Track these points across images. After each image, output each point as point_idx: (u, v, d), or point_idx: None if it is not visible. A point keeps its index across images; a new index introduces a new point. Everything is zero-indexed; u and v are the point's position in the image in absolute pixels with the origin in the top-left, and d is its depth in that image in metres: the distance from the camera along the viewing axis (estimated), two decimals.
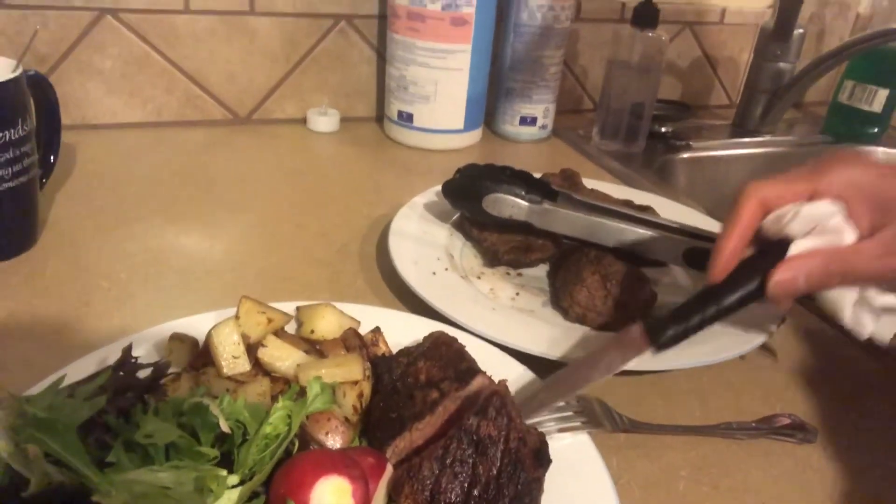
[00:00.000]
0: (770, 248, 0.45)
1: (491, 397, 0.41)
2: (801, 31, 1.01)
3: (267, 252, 0.66)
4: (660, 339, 0.46)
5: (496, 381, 0.43)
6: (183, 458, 0.32)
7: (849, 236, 0.43)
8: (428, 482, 0.36)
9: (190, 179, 0.79)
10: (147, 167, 0.81)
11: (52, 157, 0.66)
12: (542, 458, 0.40)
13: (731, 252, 0.46)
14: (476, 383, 0.43)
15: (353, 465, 0.34)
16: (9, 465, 0.31)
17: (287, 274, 0.63)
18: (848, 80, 1.09)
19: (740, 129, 1.09)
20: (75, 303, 0.56)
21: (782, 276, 0.43)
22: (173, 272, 0.62)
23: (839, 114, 1.11)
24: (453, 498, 0.36)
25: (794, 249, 0.44)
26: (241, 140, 0.91)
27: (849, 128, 1.11)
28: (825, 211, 0.44)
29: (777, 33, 1.02)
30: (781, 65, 1.03)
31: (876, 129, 1.10)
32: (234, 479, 0.32)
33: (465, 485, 0.37)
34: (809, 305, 0.64)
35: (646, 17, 0.92)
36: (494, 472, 0.38)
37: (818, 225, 0.44)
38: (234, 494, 0.32)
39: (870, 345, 0.53)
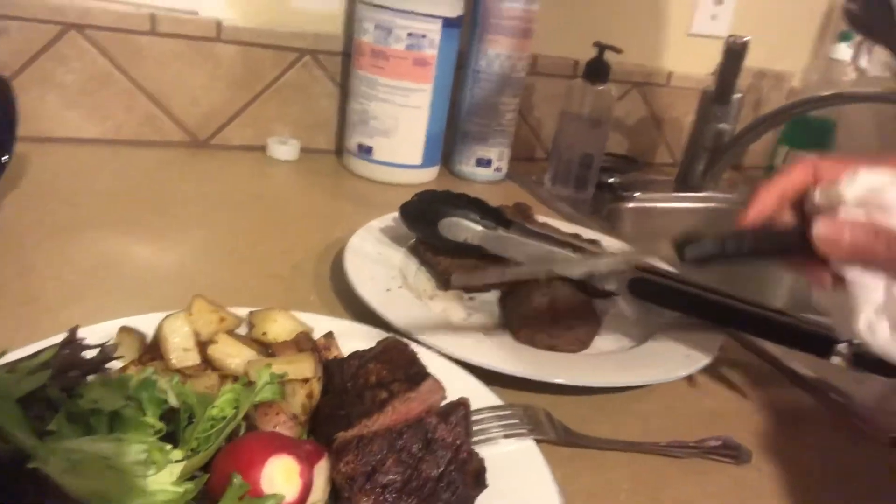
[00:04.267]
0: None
1: (458, 406, 0.42)
2: (739, 95, 1.09)
3: (220, 264, 0.66)
4: (688, 253, 0.44)
5: (452, 395, 0.44)
6: (127, 430, 0.31)
7: None
8: (373, 457, 0.36)
9: (145, 195, 0.78)
10: (102, 181, 0.80)
11: (4, 157, 0.65)
12: (480, 480, 0.41)
13: (769, 200, 0.43)
14: (425, 386, 0.44)
15: (299, 446, 0.34)
16: None
17: (240, 286, 0.63)
18: (782, 146, 1.16)
19: (683, 184, 1.15)
20: (21, 298, 0.54)
21: (828, 229, 0.40)
22: (124, 277, 0.61)
23: None
24: (390, 481, 0.37)
25: (842, 213, 0.41)
26: (198, 162, 0.91)
27: None
28: (883, 181, 0.40)
29: (718, 97, 1.09)
30: (721, 126, 1.10)
31: None
32: (177, 453, 0.32)
33: (406, 474, 0.37)
34: (744, 340, 0.67)
35: (597, 71, 0.98)
36: (436, 473, 0.39)
37: (872, 197, 0.40)
38: (177, 469, 0.31)
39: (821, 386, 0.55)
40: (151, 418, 0.32)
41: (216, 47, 0.91)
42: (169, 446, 0.32)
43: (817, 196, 0.43)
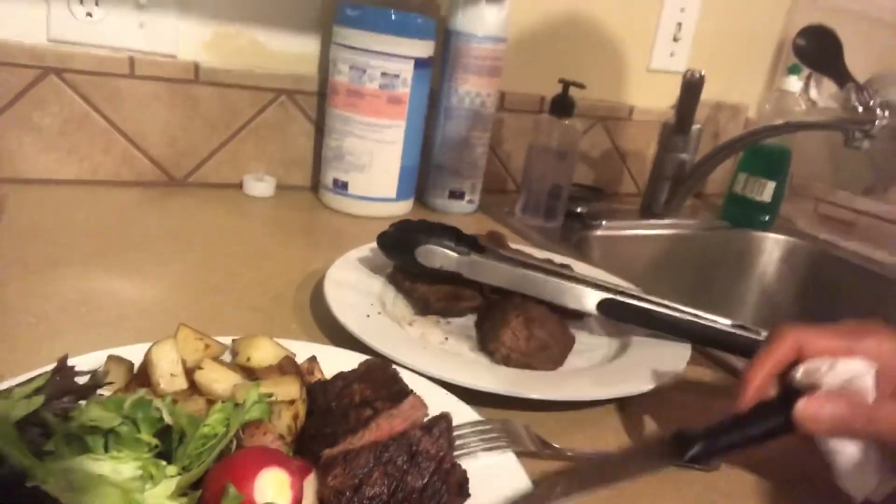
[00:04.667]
0: (795, 394, 0.47)
1: (440, 419, 0.43)
2: (698, 126, 1.14)
3: (200, 297, 0.67)
4: (687, 453, 0.49)
5: (433, 412, 0.46)
6: (122, 449, 0.32)
7: (871, 399, 0.45)
8: (360, 471, 0.38)
9: (123, 233, 0.79)
10: (79, 220, 0.81)
11: None
12: (463, 490, 0.42)
13: (759, 383, 0.48)
14: (408, 403, 0.46)
15: (289, 460, 0.35)
16: None
17: (220, 317, 0.64)
18: (741, 173, 1.21)
19: (647, 212, 1.19)
20: (1, 334, 0.55)
21: (809, 406, 0.45)
22: (104, 312, 0.62)
23: (735, 203, 1.23)
24: (377, 493, 0.38)
25: (823, 390, 0.46)
26: (175, 200, 0.92)
27: (743, 215, 1.23)
28: (859, 369, 0.46)
29: (678, 128, 1.14)
30: (682, 156, 1.15)
31: (767, 217, 1.22)
32: (172, 469, 0.33)
33: (392, 486, 0.39)
34: (709, 354, 0.70)
35: (562, 106, 1.02)
36: (420, 485, 0.41)
37: (849, 384, 0.46)
38: (173, 483, 0.32)
39: None
40: (146, 436, 0.33)
41: (194, 88, 0.94)
42: (164, 463, 0.33)
43: (799, 376, 0.48)
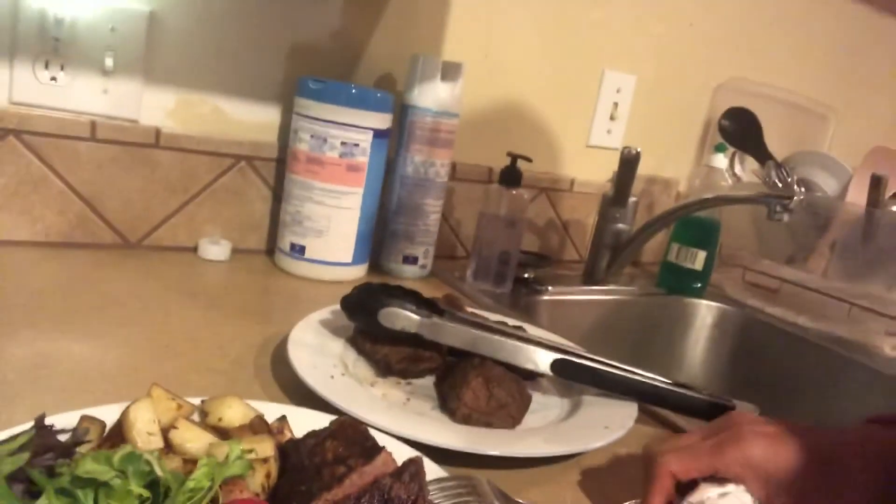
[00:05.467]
0: None
1: (409, 464, 0.45)
2: (634, 199, 1.22)
3: (160, 360, 0.68)
4: None
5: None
6: (113, 500, 0.33)
7: None
8: None
9: (78, 295, 0.79)
10: (33, 282, 0.80)
11: None
12: None
13: None
14: (380, 459, 0.47)
15: None
16: None
17: (182, 379, 0.65)
18: (674, 243, 1.30)
19: (590, 278, 1.25)
20: None
21: None
22: (65, 374, 0.61)
23: (669, 271, 1.31)
24: None
25: None
26: (130, 263, 0.92)
27: (677, 282, 1.30)
28: (717, 492, 0.50)
29: (615, 201, 1.22)
30: (620, 226, 1.22)
31: (699, 285, 1.30)
32: None
33: None
34: (654, 412, 0.74)
35: (510, 177, 1.08)
36: None
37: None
38: None
39: None
40: (137, 488, 0.34)
41: (154, 153, 0.95)
42: None
43: None
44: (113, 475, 0.33)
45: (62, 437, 0.41)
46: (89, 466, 0.33)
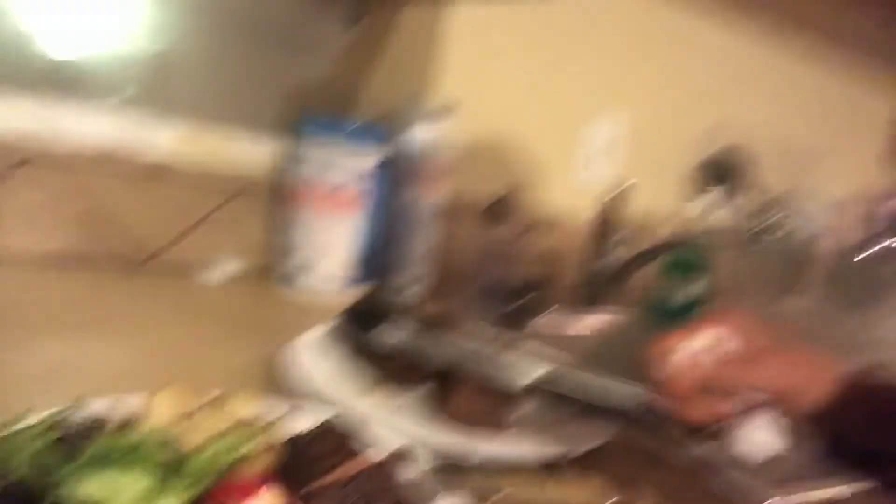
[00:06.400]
0: None
1: (390, 457, 0.49)
2: (623, 232, 1.27)
3: (166, 372, 0.70)
4: None
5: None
6: (136, 467, 0.37)
7: None
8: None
9: (88, 311, 0.83)
10: (47, 297, 0.85)
11: None
12: None
13: None
14: (366, 454, 0.51)
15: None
16: None
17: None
18: (663, 277, 1.34)
19: (580, 309, 1.28)
20: None
21: None
22: (78, 381, 0.65)
23: (658, 303, 1.35)
24: None
25: None
26: (132, 286, 0.96)
27: (665, 315, 1.34)
28: None
29: (605, 234, 1.26)
30: (609, 259, 1.26)
31: (688, 318, 1.34)
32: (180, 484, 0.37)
33: None
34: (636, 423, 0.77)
35: (504, 210, 1.14)
36: None
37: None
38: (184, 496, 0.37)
39: None
40: (155, 460, 0.38)
41: (161, 180, 1.00)
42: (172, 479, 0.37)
43: None
44: (135, 450, 0.37)
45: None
46: (108, 444, 0.37)
